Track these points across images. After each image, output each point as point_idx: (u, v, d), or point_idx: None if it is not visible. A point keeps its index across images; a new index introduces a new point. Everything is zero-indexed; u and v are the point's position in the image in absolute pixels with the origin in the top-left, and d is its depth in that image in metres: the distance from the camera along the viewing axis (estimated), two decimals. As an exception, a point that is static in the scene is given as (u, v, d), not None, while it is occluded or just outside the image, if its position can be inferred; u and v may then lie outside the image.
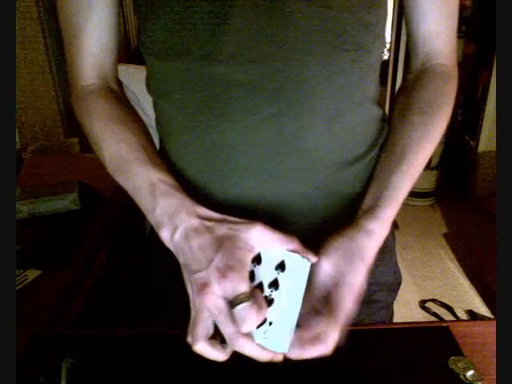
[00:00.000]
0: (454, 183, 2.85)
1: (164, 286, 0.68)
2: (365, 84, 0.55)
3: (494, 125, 2.59)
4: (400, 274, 0.70)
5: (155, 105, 0.60)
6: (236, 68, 0.49)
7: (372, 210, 0.50)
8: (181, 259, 0.46)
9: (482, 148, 2.70)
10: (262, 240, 0.44)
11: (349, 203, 0.56)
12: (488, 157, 2.68)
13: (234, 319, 0.41)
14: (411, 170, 0.53)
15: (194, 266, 0.43)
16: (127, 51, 2.43)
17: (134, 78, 1.62)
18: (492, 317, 1.94)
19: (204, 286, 0.42)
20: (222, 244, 0.44)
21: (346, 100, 0.53)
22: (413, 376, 0.52)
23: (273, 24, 0.47)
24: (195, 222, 0.46)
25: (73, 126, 1.91)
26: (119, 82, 0.63)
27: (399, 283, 0.70)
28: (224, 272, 0.41)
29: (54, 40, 1.80)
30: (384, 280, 0.66)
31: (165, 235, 0.47)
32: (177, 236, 0.46)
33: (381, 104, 0.61)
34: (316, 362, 0.52)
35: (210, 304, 0.41)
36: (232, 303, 0.41)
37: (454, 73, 0.61)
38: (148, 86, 0.59)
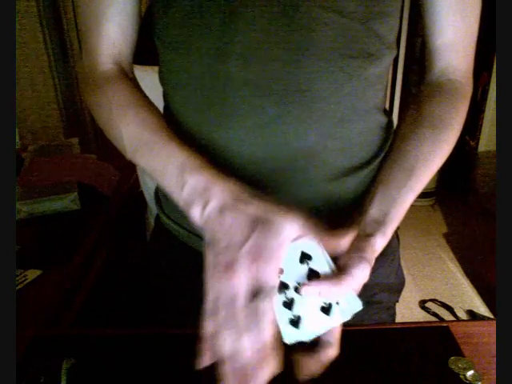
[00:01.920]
0: (453, 183, 2.85)
1: (165, 286, 0.68)
2: (372, 92, 0.55)
3: (494, 125, 2.59)
4: (403, 276, 0.70)
5: (165, 95, 0.60)
6: (244, 67, 0.49)
7: (381, 225, 0.49)
8: (208, 236, 0.42)
9: (482, 148, 2.70)
10: (294, 236, 0.41)
11: (350, 209, 0.56)
12: (488, 157, 2.68)
13: (247, 314, 0.38)
14: (418, 185, 0.53)
15: (224, 242, 0.40)
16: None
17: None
18: (492, 317, 1.94)
19: (231, 265, 0.39)
20: (257, 226, 0.40)
21: (352, 107, 0.53)
22: (413, 376, 0.52)
23: (284, 27, 0.47)
24: (228, 197, 0.43)
25: (73, 126, 1.91)
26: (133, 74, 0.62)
27: (402, 284, 0.69)
28: (257, 256, 0.39)
29: (54, 40, 1.80)
30: (386, 281, 0.66)
31: (195, 213, 0.44)
32: (208, 210, 0.43)
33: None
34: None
35: (230, 286, 0.38)
36: (257, 294, 0.38)
37: (468, 91, 0.60)
38: (160, 76, 0.60)
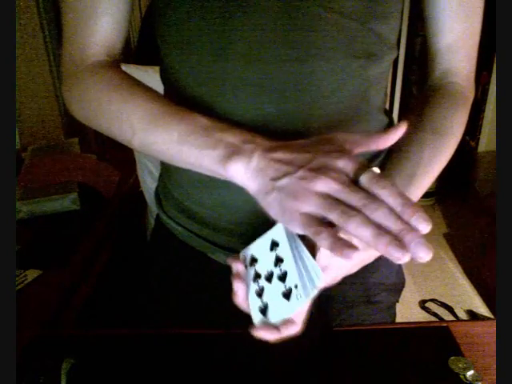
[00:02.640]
0: (454, 183, 2.85)
1: (165, 285, 0.68)
2: (373, 92, 0.55)
3: (494, 125, 2.59)
4: (403, 275, 0.70)
5: (166, 94, 0.61)
6: (244, 66, 0.49)
7: None
8: (268, 176, 0.39)
9: (482, 148, 2.70)
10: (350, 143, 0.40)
11: None
12: (488, 157, 2.67)
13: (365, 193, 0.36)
14: (418, 191, 0.53)
15: (295, 164, 0.38)
16: (127, 51, 2.43)
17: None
18: (492, 317, 1.94)
19: (321, 168, 0.37)
20: (319, 144, 0.39)
21: (353, 106, 0.53)
22: (413, 376, 0.52)
23: (285, 26, 0.48)
24: (274, 143, 0.41)
25: (73, 126, 1.91)
26: None
27: (402, 284, 0.69)
28: (339, 153, 0.38)
29: (54, 40, 1.80)
30: (387, 281, 0.66)
31: (237, 167, 0.41)
32: (256, 159, 0.40)
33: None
34: (317, 361, 0.52)
35: (331, 180, 0.36)
36: (358, 174, 0.37)
37: (470, 94, 0.60)
38: (162, 75, 0.60)
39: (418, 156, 0.54)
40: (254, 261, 0.46)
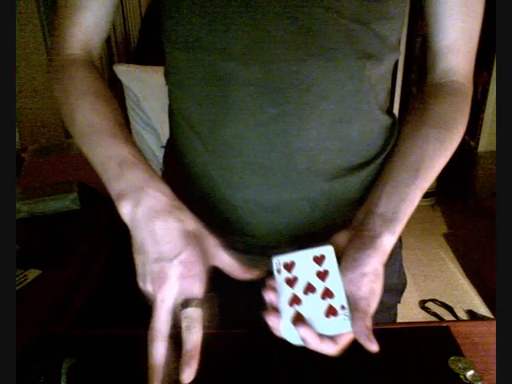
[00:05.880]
0: (454, 183, 2.85)
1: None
2: (374, 92, 0.55)
3: (494, 125, 2.59)
4: (405, 276, 0.69)
5: (170, 94, 0.61)
6: (245, 66, 0.49)
7: (389, 223, 0.48)
8: (137, 240, 0.44)
9: (482, 148, 2.70)
10: (222, 259, 0.46)
11: (352, 209, 0.56)
12: (488, 157, 2.68)
13: (175, 319, 0.42)
14: (424, 184, 0.52)
15: (155, 253, 0.42)
16: (127, 51, 2.43)
17: (134, 78, 1.61)
18: (492, 317, 1.94)
19: (163, 279, 0.41)
20: (190, 240, 0.43)
21: (353, 106, 0.53)
22: (413, 376, 0.52)
23: (286, 26, 0.48)
24: (161, 202, 0.44)
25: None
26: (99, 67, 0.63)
27: (404, 285, 0.69)
28: (188, 271, 0.42)
29: (54, 40, 1.81)
30: (388, 281, 0.65)
31: (124, 208, 0.45)
32: (139, 212, 0.44)
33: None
34: (316, 361, 0.52)
35: (161, 296, 0.41)
36: (185, 304, 0.42)
37: (470, 92, 0.60)
38: (166, 75, 0.60)
39: (422, 150, 0.54)
40: (288, 267, 0.46)
